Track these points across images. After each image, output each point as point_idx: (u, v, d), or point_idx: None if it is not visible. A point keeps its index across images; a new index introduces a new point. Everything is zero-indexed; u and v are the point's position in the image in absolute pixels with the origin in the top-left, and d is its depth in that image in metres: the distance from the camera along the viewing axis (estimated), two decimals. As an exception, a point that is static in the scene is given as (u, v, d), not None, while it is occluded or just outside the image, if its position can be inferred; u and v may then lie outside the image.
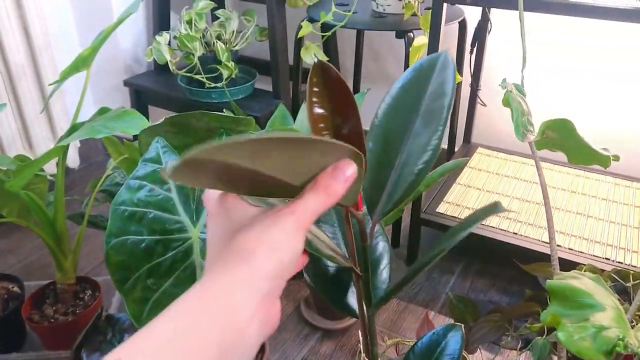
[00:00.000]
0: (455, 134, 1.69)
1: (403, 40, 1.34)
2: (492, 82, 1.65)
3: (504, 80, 0.71)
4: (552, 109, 1.54)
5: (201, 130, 0.87)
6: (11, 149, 1.56)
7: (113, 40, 1.76)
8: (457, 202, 1.41)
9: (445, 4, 1.12)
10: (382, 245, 0.68)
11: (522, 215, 1.36)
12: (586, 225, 1.33)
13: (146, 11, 1.86)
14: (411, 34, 1.32)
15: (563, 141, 0.69)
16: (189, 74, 1.57)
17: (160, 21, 1.78)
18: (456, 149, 1.71)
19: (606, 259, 1.22)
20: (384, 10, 1.42)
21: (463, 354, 0.75)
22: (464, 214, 1.36)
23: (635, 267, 1.19)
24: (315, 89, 0.41)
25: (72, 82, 1.55)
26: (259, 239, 0.34)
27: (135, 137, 1.69)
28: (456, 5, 1.37)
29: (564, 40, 1.50)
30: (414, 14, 1.33)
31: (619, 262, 1.20)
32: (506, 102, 0.77)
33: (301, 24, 1.37)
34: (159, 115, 0.88)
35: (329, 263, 0.65)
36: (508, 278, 1.39)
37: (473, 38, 1.55)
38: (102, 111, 1.06)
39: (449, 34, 1.57)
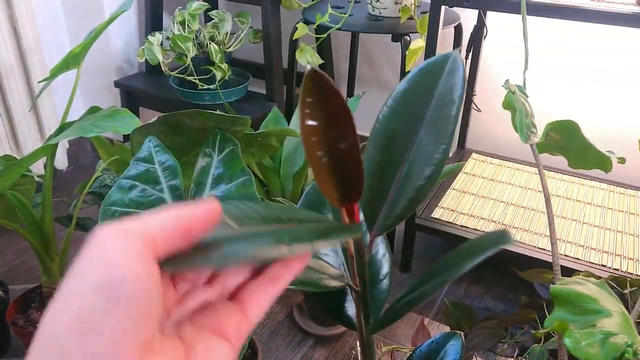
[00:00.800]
0: (449, 140, 1.67)
1: (399, 43, 1.33)
2: (487, 88, 1.64)
3: (507, 81, 0.70)
4: (548, 113, 1.54)
5: (194, 130, 0.84)
6: (-3, 150, 1.52)
7: (104, 40, 1.74)
8: (452, 207, 1.40)
9: (443, 7, 1.11)
10: (381, 253, 0.66)
11: (517, 222, 1.35)
12: (582, 232, 1.32)
13: (138, 11, 1.84)
14: (407, 37, 1.31)
15: (566, 143, 0.68)
16: (181, 75, 1.55)
17: (153, 21, 1.76)
18: (450, 154, 1.70)
19: (602, 265, 1.21)
20: (380, 13, 1.41)
21: (460, 360, 0.73)
22: (459, 219, 1.35)
23: (631, 274, 1.18)
24: (308, 99, 0.37)
25: (61, 83, 1.52)
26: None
27: (126, 138, 1.66)
28: (453, 9, 1.37)
29: (560, 44, 1.50)
30: (411, 18, 1.32)
31: (615, 269, 1.19)
32: (507, 105, 0.75)
33: (296, 25, 1.36)
34: (150, 117, 0.86)
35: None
36: (503, 285, 1.38)
37: (468, 43, 1.55)
38: (93, 110, 1.04)
39: (444, 38, 1.56)
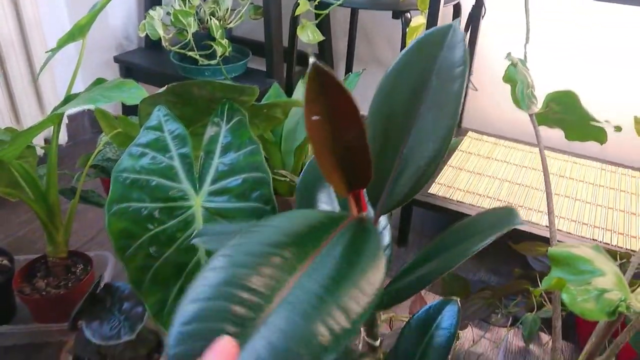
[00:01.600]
0: (446, 118, 1.70)
1: (398, 21, 1.34)
2: (484, 67, 1.66)
3: (509, 53, 0.72)
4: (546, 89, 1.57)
5: (202, 100, 0.86)
6: (-2, 124, 1.53)
7: (103, 15, 1.73)
8: (449, 184, 1.43)
9: (444, -16, 1.13)
10: (382, 224, 0.66)
11: (512, 198, 1.38)
12: (574, 208, 1.36)
13: (137, -13, 1.84)
14: (408, 14, 1.33)
15: (564, 115, 0.70)
16: (182, 51, 1.55)
17: (152, -3, 1.76)
18: (447, 133, 1.72)
19: (593, 239, 1.25)
20: (380, -10, 1.42)
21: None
22: (455, 195, 1.38)
23: (621, 247, 1.22)
24: (312, 95, 0.36)
25: (60, 60, 1.52)
26: None
27: (127, 112, 1.67)
28: (452, -13, 1.38)
29: (558, 17, 1.52)
30: (411, -5, 1.34)
31: (605, 243, 1.23)
32: (507, 78, 0.78)
33: (298, 1, 1.37)
34: (150, 92, 0.87)
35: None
36: (496, 259, 1.41)
37: (466, 23, 1.56)
38: (99, 82, 1.05)
39: (444, 17, 1.58)
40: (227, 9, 1.60)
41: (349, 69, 1.82)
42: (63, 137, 1.77)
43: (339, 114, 0.37)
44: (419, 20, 1.23)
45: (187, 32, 1.49)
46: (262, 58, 1.62)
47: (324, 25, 1.73)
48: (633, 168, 1.52)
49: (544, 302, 1.08)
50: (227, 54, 1.55)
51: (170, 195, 0.77)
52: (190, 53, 1.54)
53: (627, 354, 1.10)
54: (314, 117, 0.37)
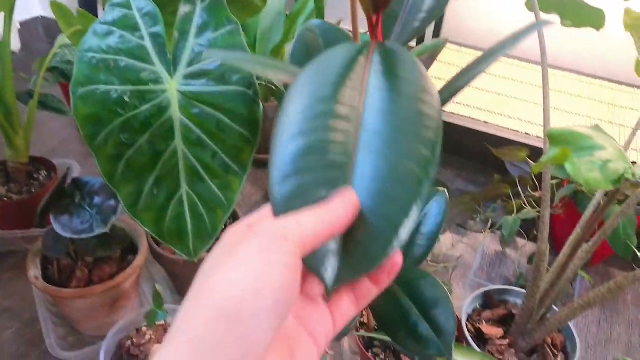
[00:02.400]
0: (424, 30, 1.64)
1: None
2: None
3: None
4: None
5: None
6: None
7: None
8: (428, 93, 1.39)
9: None
10: None
11: (492, 106, 1.36)
12: (553, 117, 1.34)
13: None
14: None
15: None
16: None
17: None
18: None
19: (572, 146, 1.25)
20: None
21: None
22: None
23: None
24: None
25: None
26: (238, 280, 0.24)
27: (84, 7, 1.54)
28: None
29: None
30: None
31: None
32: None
33: None
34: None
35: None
36: (473, 169, 1.41)
37: None
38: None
39: None
40: None
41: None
42: (15, 44, 1.64)
43: None
44: None
45: None
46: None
47: None
48: (610, 80, 1.51)
49: (523, 205, 1.09)
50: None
51: (142, 77, 0.71)
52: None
53: (602, 253, 1.13)
54: None
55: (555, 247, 1.18)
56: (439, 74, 1.48)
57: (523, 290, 0.90)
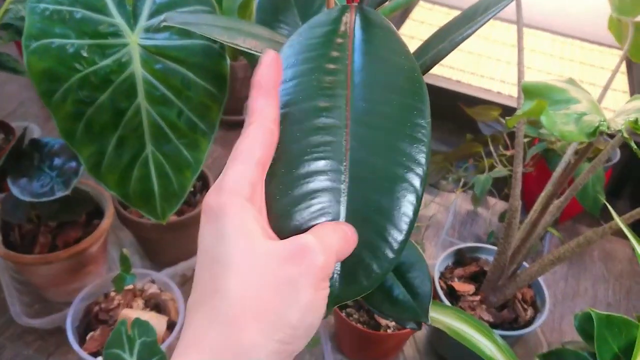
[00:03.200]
0: (397, -14, 1.60)
1: None
2: None
3: None
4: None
5: None
6: None
7: None
8: (401, 51, 1.37)
9: None
10: None
11: (465, 66, 1.35)
12: (526, 76, 1.34)
13: None
14: None
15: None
16: None
17: None
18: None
19: (543, 105, 1.25)
20: None
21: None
22: (408, 63, 1.33)
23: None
24: None
25: None
26: (259, 309, 0.24)
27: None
28: None
29: None
30: None
31: (554, 109, 1.24)
32: None
33: None
34: None
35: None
36: (446, 129, 1.40)
37: None
38: None
39: None
40: None
41: None
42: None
43: None
44: None
45: None
46: None
47: None
48: (582, 39, 1.51)
49: (495, 164, 1.09)
50: None
51: (100, 30, 0.66)
52: None
53: (570, 211, 1.14)
54: None
55: (526, 206, 1.19)
56: (412, 32, 1.46)
57: (494, 248, 0.91)
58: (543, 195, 0.83)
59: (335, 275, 0.29)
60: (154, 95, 0.68)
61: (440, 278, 0.90)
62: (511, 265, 0.84)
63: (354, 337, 0.87)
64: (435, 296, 0.85)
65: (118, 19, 0.67)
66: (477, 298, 0.87)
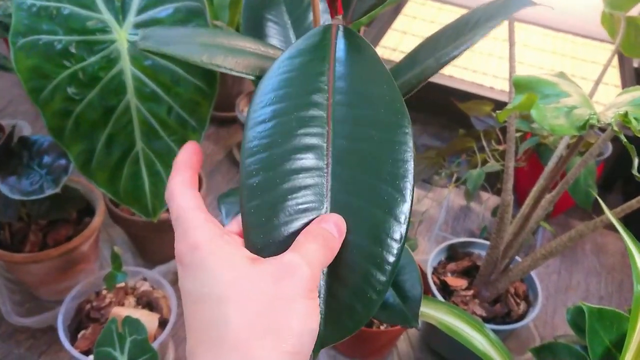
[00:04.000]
0: (389, -19, 1.60)
1: None
2: None
3: None
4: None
5: None
6: None
7: None
8: (394, 47, 1.36)
9: None
10: None
11: (457, 61, 1.34)
12: (518, 70, 1.34)
13: None
14: None
15: None
16: None
17: None
18: (390, -2, 1.63)
19: (535, 100, 1.25)
20: None
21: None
22: (400, 58, 1.32)
23: (561, 107, 1.24)
24: None
25: None
26: (263, 326, 0.26)
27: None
28: None
29: None
30: None
31: (546, 103, 1.24)
32: None
33: None
34: None
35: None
36: (438, 124, 1.40)
37: None
38: None
39: None
40: None
41: None
42: (-45, -2, 1.53)
43: None
44: None
45: None
46: None
47: None
48: (573, 33, 1.51)
49: (487, 158, 1.09)
50: None
51: (88, 26, 0.66)
52: None
53: (562, 205, 1.15)
54: None
55: (518, 201, 1.19)
56: (404, 27, 1.45)
57: (487, 242, 0.91)
58: (535, 189, 0.83)
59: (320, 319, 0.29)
60: (144, 91, 0.68)
61: (433, 273, 0.90)
62: (504, 259, 0.84)
63: (347, 333, 0.87)
64: (428, 291, 0.85)
65: (106, 15, 0.67)
66: (470, 293, 0.87)
